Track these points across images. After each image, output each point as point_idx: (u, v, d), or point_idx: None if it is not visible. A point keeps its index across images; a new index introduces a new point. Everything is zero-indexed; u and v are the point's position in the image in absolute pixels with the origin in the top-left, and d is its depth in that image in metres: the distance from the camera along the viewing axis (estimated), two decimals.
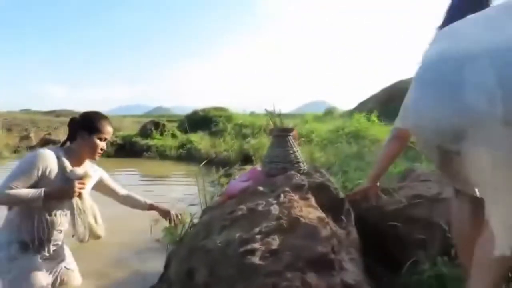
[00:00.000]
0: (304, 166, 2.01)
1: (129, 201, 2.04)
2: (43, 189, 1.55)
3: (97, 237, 1.74)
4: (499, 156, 0.86)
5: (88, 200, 1.74)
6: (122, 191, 2.03)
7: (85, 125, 1.72)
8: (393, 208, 1.87)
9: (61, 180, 1.64)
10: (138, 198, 2.04)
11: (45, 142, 12.78)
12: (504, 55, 0.83)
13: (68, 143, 1.79)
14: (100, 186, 1.95)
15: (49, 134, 13.52)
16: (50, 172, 1.60)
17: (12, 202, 1.57)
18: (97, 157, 1.74)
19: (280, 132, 2.06)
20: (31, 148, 12.13)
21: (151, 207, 2.04)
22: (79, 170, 1.69)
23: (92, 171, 1.83)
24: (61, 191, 1.62)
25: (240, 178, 2.09)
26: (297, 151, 2.02)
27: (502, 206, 0.93)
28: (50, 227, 1.68)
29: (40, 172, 1.57)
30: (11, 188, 1.51)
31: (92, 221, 1.71)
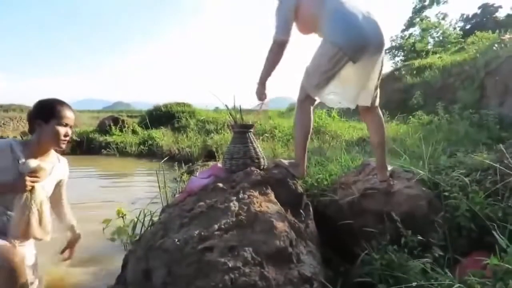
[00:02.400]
0: (265, 162, 2.03)
1: (61, 218, 1.92)
2: None
3: (37, 238, 1.60)
4: None
5: (39, 196, 1.60)
6: (65, 204, 1.91)
7: (40, 113, 1.60)
8: (349, 201, 1.95)
9: (15, 173, 1.52)
10: (68, 222, 1.93)
11: None
12: None
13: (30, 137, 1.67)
14: (55, 189, 1.80)
15: None
16: (3, 164, 1.50)
17: None
18: (63, 145, 1.62)
19: (240, 128, 2.07)
20: None
21: (69, 229, 1.95)
22: (32, 163, 1.55)
23: (56, 166, 1.70)
24: (10, 185, 1.50)
25: (201, 175, 2.07)
26: (257, 147, 2.04)
27: None
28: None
29: None
30: None
31: (34, 220, 1.55)
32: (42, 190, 1.62)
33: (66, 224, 1.92)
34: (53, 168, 1.71)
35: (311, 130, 2.04)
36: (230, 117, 2.17)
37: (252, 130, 2.08)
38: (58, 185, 1.80)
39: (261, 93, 2.04)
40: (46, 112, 1.59)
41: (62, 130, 1.60)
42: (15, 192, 1.52)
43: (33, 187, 1.54)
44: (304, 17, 1.91)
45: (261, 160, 2.00)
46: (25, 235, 1.55)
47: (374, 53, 1.81)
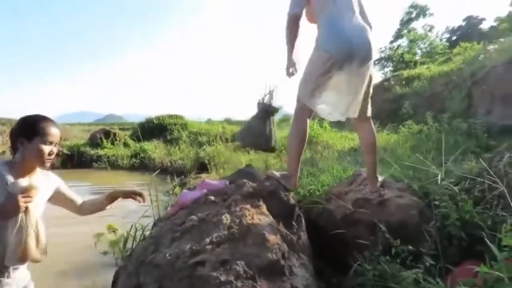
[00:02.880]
0: (275, 144, 2.06)
1: (89, 208, 1.80)
2: None
3: (35, 260, 1.51)
4: None
5: (34, 215, 1.52)
6: (80, 200, 1.79)
7: (24, 130, 1.51)
8: (341, 213, 1.96)
9: (3, 195, 1.43)
10: (94, 199, 1.81)
11: None
12: None
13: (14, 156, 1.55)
14: (58, 198, 1.70)
15: None
16: None
17: None
18: (47, 164, 1.53)
19: (265, 108, 2.10)
20: None
21: (110, 199, 1.79)
22: (22, 182, 1.48)
23: (44, 181, 1.61)
24: (2, 208, 1.40)
25: (193, 192, 2.06)
26: (274, 131, 2.07)
27: None
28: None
29: None
30: None
31: (31, 242, 1.49)
32: (36, 208, 1.54)
33: (101, 203, 1.78)
34: (43, 184, 1.61)
35: (305, 142, 2.07)
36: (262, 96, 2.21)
37: (275, 114, 2.13)
38: (60, 193, 1.71)
39: (288, 70, 2.08)
40: (29, 130, 1.51)
41: (46, 148, 1.51)
42: (7, 216, 1.44)
43: (27, 207, 1.46)
44: (313, 6, 2.02)
45: (272, 142, 2.04)
46: (23, 259, 1.48)
47: (361, 65, 1.88)
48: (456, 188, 1.86)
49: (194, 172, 6.52)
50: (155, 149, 9.95)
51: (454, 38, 24.67)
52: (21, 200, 1.42)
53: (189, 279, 1.19)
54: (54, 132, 1.56)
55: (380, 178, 2.14)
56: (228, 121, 16.95)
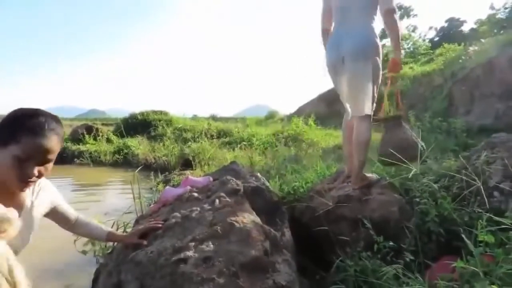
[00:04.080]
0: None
1: (83, 232, 1.49)
2: None
3: None
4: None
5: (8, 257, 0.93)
6: (72, 215, 1.43)
7: (1, 135, 1.01)
8: (324, 209, 1.97)
9: None
10: (92, 226, 1.48)
11: None
12: None
13: None
14: (51, 215, 1.34)
15: None
16: None
17: None
18: (25, 189, 1.07)
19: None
20: None
21: (110, 238, 1.49)
22: None
23: (38, 196, 1.20)
24: None
25: (176, 188, 2.04)
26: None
27: None
28: None
29: None
30: None
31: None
32: (16, 240, 1.09)
33: (98, 234, 1.49)
34: (36, 202, 1.22)
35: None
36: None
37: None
38: (55, 211, 1.35)
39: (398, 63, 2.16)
40: (7, 131, 1.01)
41: (28, 166, 1.01)
42: None
43: None
44: None
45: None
46: None
47: (338, 72, 2.15)
48: (435, 185, 1.91)
49: (178, 168, 6.46)
50: (139, 145, 9.79)
51: (436, 38, 25.24)
52: None
53: (171, 276, 1.17)
54: (49, 144, 1.03)
55: (371, 176, 2.19)
56: (214, 118, 16.86)
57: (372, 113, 2.17)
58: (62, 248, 2.41)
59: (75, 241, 2.09)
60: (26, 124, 1.01)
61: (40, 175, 1.06)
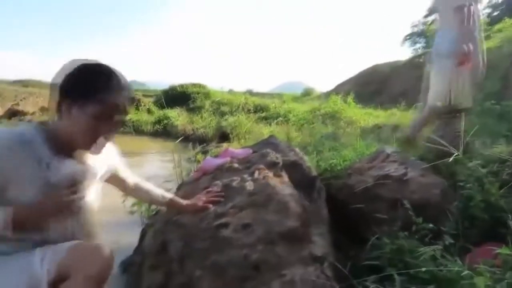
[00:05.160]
0: None
1: (141, 196, 1.49)
2: (8, 211, 0.91)
3: None
4: None
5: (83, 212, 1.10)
6: (131, 179, 1.41)
7: (74, 87, 0.98)
8: (362, 187, 1.96)
9: (41, 185, 0.97)
10: (153, 191, 1.46)
11: (13, 113, 12.20)
12: None
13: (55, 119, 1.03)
14: (111, 178, 1.33)
15: (17, 104, 12.90)
16: (21, 172, 0.93)
17: None
18: (95, 151, 1.04)
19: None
20: None
21: (170, 204, 1.47)
22: (69, 166, 1.02)
23: (102, 156, 1.12)
24: (41, 211, 0.95)
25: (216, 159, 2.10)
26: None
27: None
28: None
29: (2, 176, 0.92)
30: None
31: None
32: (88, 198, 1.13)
33: (158, 200, 1.47)
34: (98, 163, 1.17)
35: None
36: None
37: None
38: (115, 174, 1.33)
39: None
40: (84, 88, 0.97)
41: (102, 127, 1.00)
42: (47, 218, 0.99)
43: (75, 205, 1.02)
44: None
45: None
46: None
47: None
48: (483, 170, 1.82)
49: (216, 141, 6.62)
50: (178, 116, 10.10)
51: (496, 13, 23.00)
52: (68, 197, 0.97)
53: (212, 239, 1.25)
54: (126, 105, 1.04)
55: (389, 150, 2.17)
56: (250, 93, 16.86)
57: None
58: (111, 207, 2.61)
59: (123, 201, 2.25)
60: (106, 83, 0.99)
61: (110, 137, 1.05)
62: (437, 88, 2.17)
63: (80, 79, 0.98)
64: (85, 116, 0.96)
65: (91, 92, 0.96)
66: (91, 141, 1.01)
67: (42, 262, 0.94)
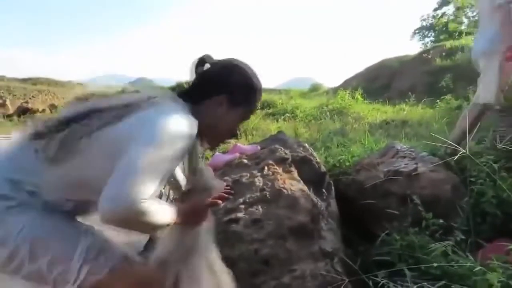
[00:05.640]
0: None
1: None
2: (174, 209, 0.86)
3: None
4: None
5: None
6: None
7: (237, 87, 0.98)
8: (371, 183, 1.95)
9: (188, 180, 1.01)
10: None
11: (22, 111, 12.38)
12: None
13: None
14: None
15: (26, 102, 13.07)
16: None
17: (137, 226, 0.81)
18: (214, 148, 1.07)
19: None
20: (8, 117, 11.71)
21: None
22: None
23: None
24: (195, 213, 0.95)
25: (225, 155, 2.12)
26: None
27: None
28: None
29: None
30: (144, 199, 0.73)
31: None
32: None
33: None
34: None
35: None
36: None
37: None
38: None
39: None
40: (246, 92, 1.00)
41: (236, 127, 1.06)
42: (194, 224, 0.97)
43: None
44: None
45: None
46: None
47: None
48: (495, 165, 1.80)
49: None
50: None
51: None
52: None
53: (223, 234, 1.26)
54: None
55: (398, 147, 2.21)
56: None
57: None
58: None
59: None
60: (259, 87, 1.03)
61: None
62: (486, 85, 2.19)
63: (240, 77, 0.99)
64: (235, 114, 0.98)
65: (251, 93, 1.00)
66: (225, 139, 1.05)
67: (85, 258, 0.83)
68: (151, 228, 0.84)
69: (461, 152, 1.70)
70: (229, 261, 1.18)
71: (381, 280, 1.24)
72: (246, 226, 1.28)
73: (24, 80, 16.87)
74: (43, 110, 12.59)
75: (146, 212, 0.73)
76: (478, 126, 2.28)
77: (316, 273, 1.19)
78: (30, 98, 13.36)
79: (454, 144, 1.76)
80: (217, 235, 1.26)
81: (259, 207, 1.37)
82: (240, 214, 1.33)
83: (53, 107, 12.84)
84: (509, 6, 1.98)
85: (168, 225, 0.83)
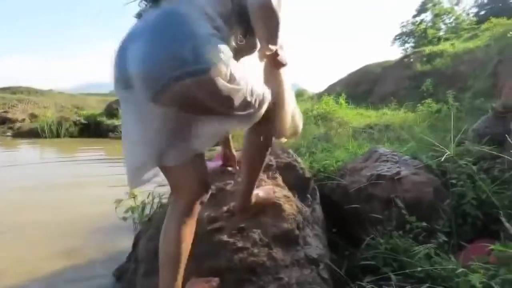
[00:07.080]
0: None
1: None
2: None
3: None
4: None
5: None
6: None
7: None
8: (355, 187, 1.97)
9: None
10: None
11: (2, 121, 12.02)
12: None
13: None
14: None
15: (6, 112, 12.71)
16: None
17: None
18: None
19: None
20: None
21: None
22: None
23: None
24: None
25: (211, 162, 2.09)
26: None
27: None
28: None
29: None
30: None
31: None
32: None
33: None
34: None
35: None
36: None
37: None
38: None
39: None
40: None
41: None
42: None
43: None
44: None
45: None
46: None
47: None
48: (474, 167, 1.84)
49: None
50: None
51: (482, 12, 23.42)
52: None
53: (207, 244, 1.24)
54: None
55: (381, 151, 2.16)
56: None
57: None
58: (103, 214, 2.58)
59: (116, 208, 2.23)
60: None
61: None
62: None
63: None
64: None
65: None
66: None
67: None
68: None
69: (446, 154, 1.74)
70: (215, 272, 1.17)
71: (366, 285, 1.24)
72: (230, 235, 1.26)
73: (3, 90, 16.41)
74: (23, 120, 12.27)
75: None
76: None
77: (302, 281, 1.18)
78: (9, 108, 13.00)
79: (440, 146, 1.79)
80: (201, 245, 1.24)
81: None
82: (224, 223, 1.31)
83: (33, 116, 12.52)
84: None
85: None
